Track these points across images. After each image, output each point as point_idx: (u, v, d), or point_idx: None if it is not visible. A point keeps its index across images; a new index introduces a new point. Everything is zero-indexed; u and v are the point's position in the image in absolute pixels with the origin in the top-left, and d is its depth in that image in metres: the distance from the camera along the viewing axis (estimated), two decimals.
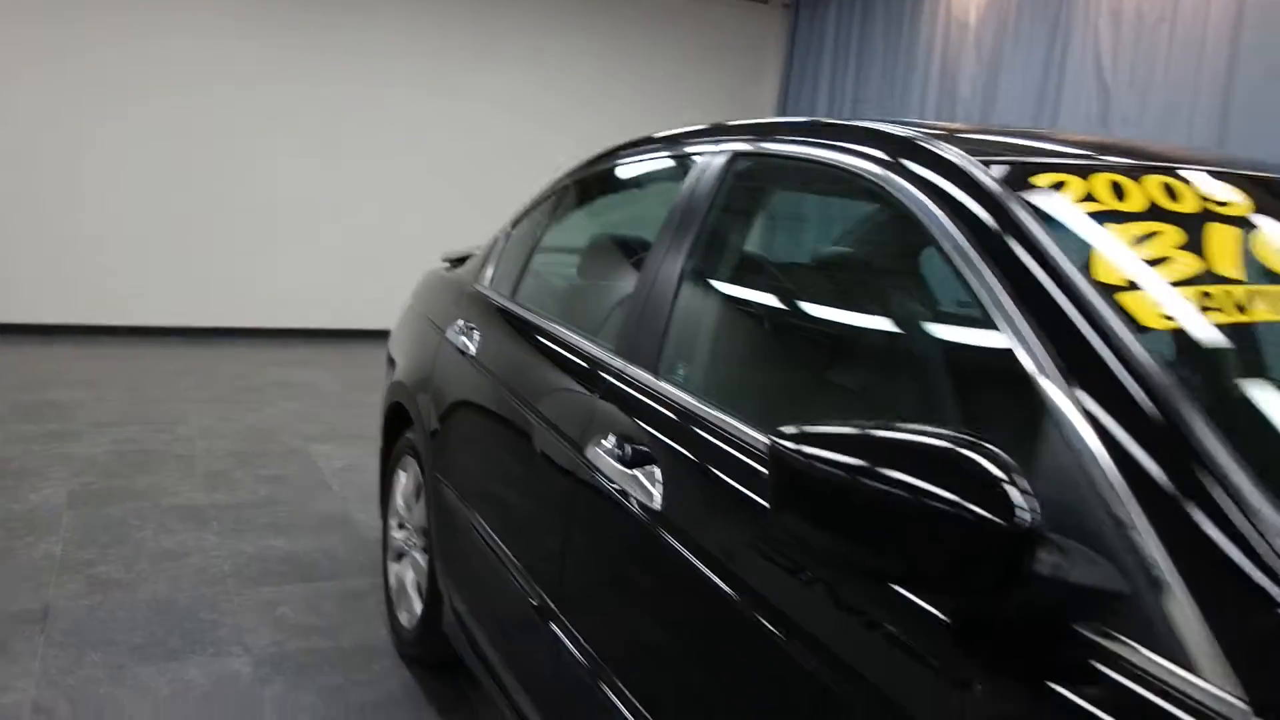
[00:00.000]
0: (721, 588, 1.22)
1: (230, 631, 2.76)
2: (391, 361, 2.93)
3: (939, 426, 0.89)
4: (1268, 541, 0.78)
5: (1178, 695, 0.76)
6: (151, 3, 6.59)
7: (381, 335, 3.33)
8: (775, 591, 1.14)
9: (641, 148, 2.10)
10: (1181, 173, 1.28)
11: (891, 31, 8.10)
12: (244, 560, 3.26)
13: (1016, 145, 1.43)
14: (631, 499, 1.44)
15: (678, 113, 8.55)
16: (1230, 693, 0.74)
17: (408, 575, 2.67)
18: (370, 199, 7.29)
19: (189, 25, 6.70)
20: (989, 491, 0.83)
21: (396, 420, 2.83)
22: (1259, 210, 1.23)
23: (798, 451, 0.92)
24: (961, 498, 0.84)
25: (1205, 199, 1.22)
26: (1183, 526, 0.82)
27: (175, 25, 6.67)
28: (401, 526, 2.76)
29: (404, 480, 2.73)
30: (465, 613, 2.16)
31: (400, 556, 2.77)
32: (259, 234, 7.08)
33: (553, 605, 1.67)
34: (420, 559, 2.57)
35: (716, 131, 1.81)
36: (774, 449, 0.95)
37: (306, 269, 7.22)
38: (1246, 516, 0.80)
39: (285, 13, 6.93)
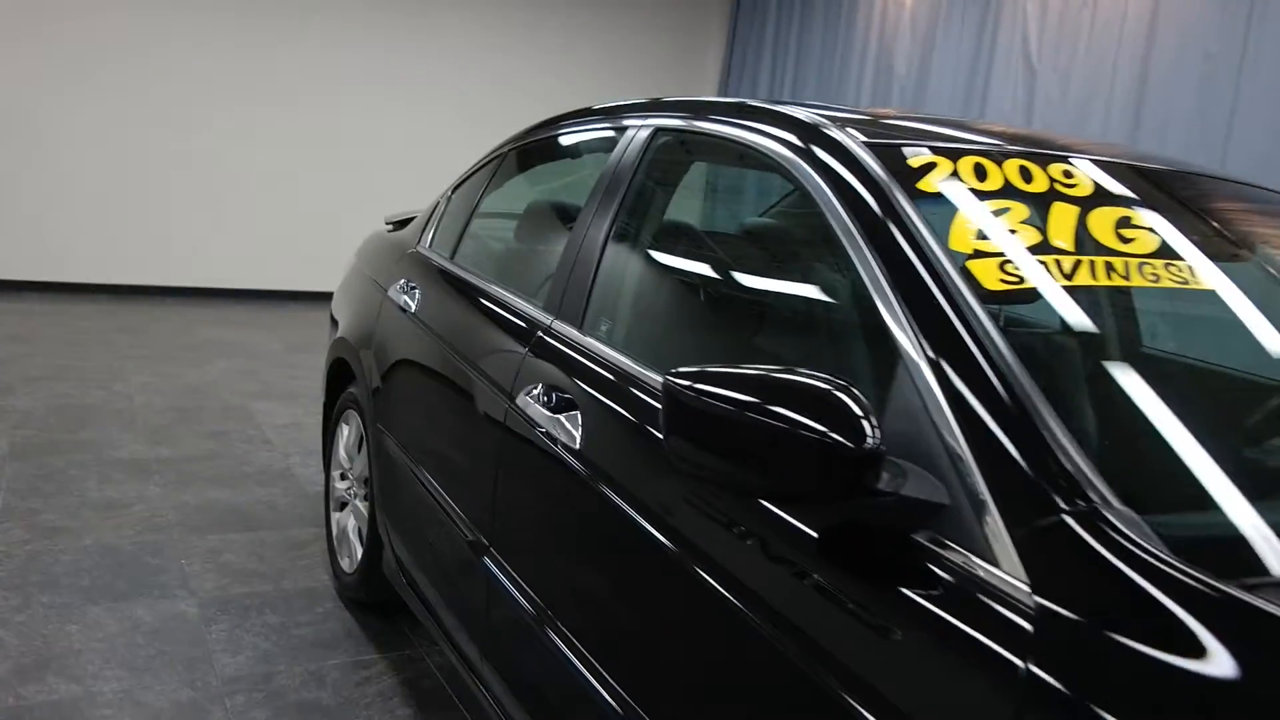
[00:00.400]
0: (630, 514, 1.39)
1: (176, 576, 2.87)
2: (334, 321, 3.04)
3: (813, 371, 1.07)
4: (1058, 460, 0.98)
5: (985, 585, 0.95)
6: None
7: (321, 298, 3.43)
8: (672, 514, 1.32)
9: (575, 119, 2.25)
10: (1040, 157, 1.47)
11: (832, 9, 8.27)
12: (187, 510, 3.36)
13: (902, 129, 1.61)
14: (555, 441, 1.60)
15: (623, 84, 8.66)
16: (1019, 579, 0.93)
17: (349, 523, 2.81)
18: (310, 162, 7.28)
19: None
20: (845, 422, 1.01)
21: (339, 376, 2.95)
22: (1100, 191, 1.43)
23: (689, 388, 1.09)
24: (825, 427, 1.01)
25: (1054, 180, 1.41)
26: (996, 454, 1.01)
27: None
28: (344, 477, 2.89)
29: (346, 433, 2.86)
30: (405, 555, 2.32)
31: (343, 506, 2.90)
32: (197, 194, 7.04)
33: (485, 542, 1.83)
34: (361, 507, 2.71)
35: (643, 107, 1.97)
36: (667, 385, 1.12)
37: (245, 230, 7.20)
38: (1046, 441, 0.99)
39: None
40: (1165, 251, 1.33)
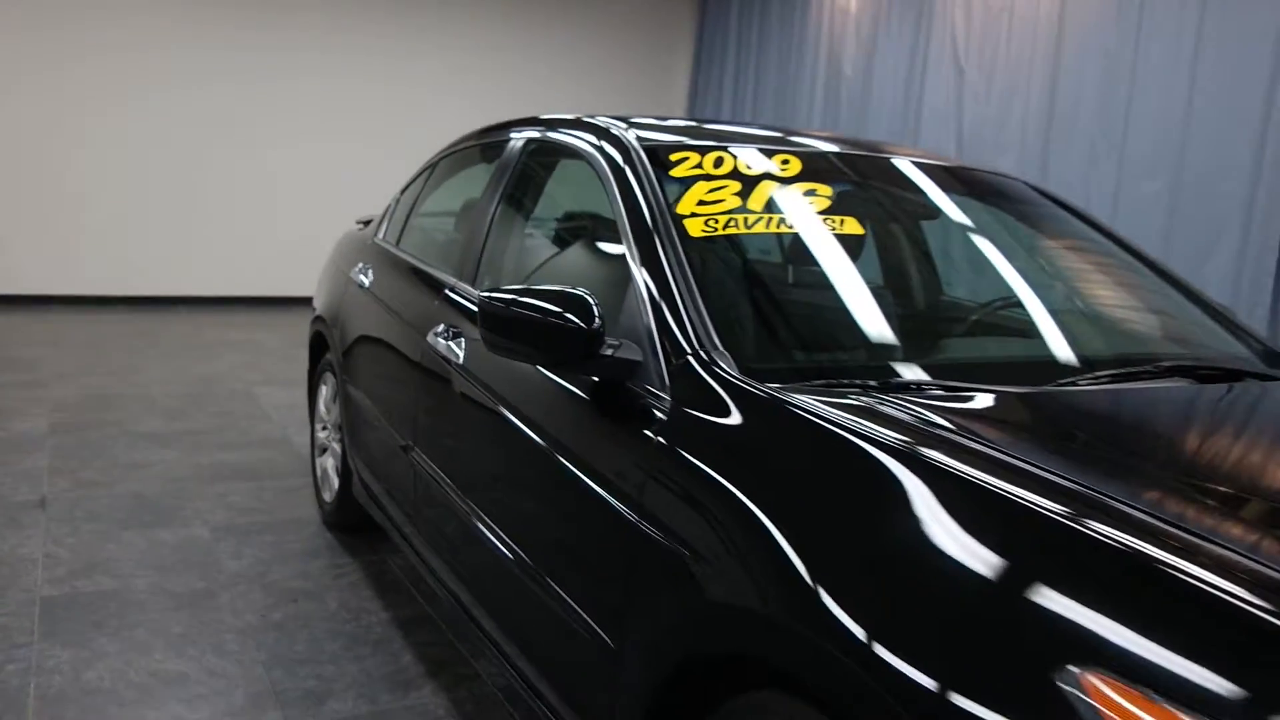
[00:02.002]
0: (485, 396, 2.12)
1: (191, 512, 3.62)
2: (315, 306, 3.79)
3: (570, 287, 1.79)
4: (693, 330, 1.69)
5: (651, 398, 1.66)
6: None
7: None
8: (508, 390, 2.04)
9: (482, 134, 2.99)
10: (773, 149, 2.19)
11: (787, 16, 9.01)
12: (200, 468, 4.11)
13: (678, 134, 2.32)
14: (449, 361, 2.33)
15: (596, 90, 9.42)
16: (665, 393, 1.65)
17: (329, 463, 3.56)
18: (311, 182, 8.09)
19: (160, 20, 7.43)
20: (581, 313, 1.73)
21: (318, 347, 3.70)
22: (803, 175, 2.14)
23: (490, 299, 1.81)
24: (575, 319, 1.73)
25: (771, 167, 2.13)
26: (662, 329, 1.72)
27: (148, 22, 7.39)
28: (324, 428, 3.64)
29: (325, 391, 3.60)
30: (364, 473, 3.06)
31: (323, 451, 3.65)
32: (204, 212, 7.85)
33: (410, 443, 2.57)
34: (336, 447, 3.45)
35: (523, 123, 2.70)
36: (479, 300, 1.84)
37: (249, 242, 8.00)
38: (688, 321, 1.71)
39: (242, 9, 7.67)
40: (831, 212, 2.05)
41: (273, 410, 5.06)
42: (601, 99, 9.45)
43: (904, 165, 2.35)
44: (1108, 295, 2.33)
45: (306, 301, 7.95)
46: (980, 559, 1.14)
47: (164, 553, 3.25)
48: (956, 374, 1.73)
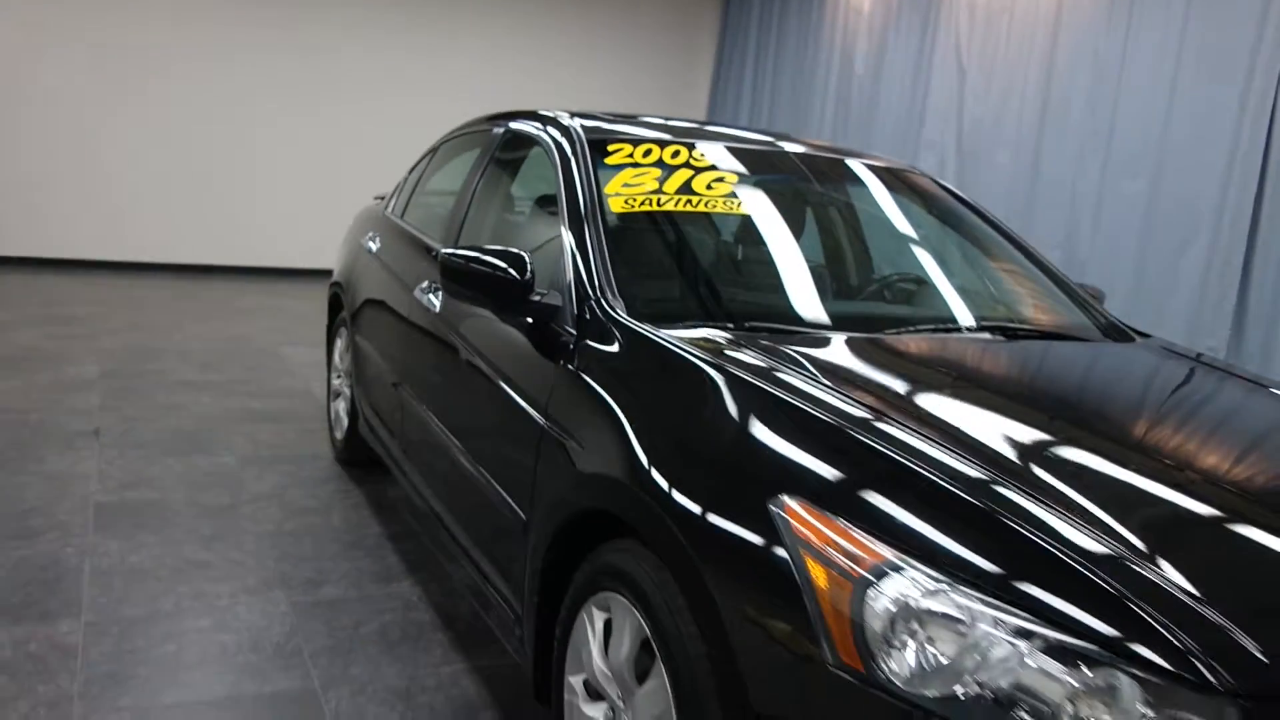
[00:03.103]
0: (452, 336, 2.68)
1: (222, 445, 4.25)
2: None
3: (512, 248, 2.34)
4: (598, 284, 2.24)
5: (564, 335, 2.21)
6: None
7: None
8: (469, 332, 2.60)
9: (475, 124, 3.55)
10: (695, 144, 2.72)
11: (804, 13, 9.47)
12: (230, 411, 4.74)
13: (619, 125, 2.85)
14: (429, 311, 2.90)
15: (628, 86, 9.97)
16: (573, 329, 2.20)
17: (340, 406, 4.16)
18: (345, 154, 8.73)
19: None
20: (518, 267, 2.28)
21: (335, 305, 4.30)
22: (715, 167, 2.67)
23: (450, 255, 2.36)
24: (512, 271, 2.29)
25: (691, 158, 2.66)
26: (577, 281, 2.27)
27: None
28: (338, 376, 4.24)
29: (339, 344, 4.20)
30: (367, 411, 3.64)
31: (337, 396, 4.25)
32: (244, 184, 8.54)
33: (399, 379, 3.14)
34: (347, 391, 4.05)
35: (503, 115, 3.26)
36: (440, 256, 2.40)
37: (285, 215, 8.68)
38: (596, 276, 2.25)
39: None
40: (731, 196, 2.58)
41: (297, 367, 5.69)
42: (621, 95, 10.00)
43: (806, 156, 2.87)
44: (969, 269, 2.84)
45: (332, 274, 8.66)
46: (738, 432, 1.69)
47: (197, 475, 3.87)
48: (798, 322, 2.27)
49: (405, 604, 2.96)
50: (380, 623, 2.83)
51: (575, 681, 1.97)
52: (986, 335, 2.38)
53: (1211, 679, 1.24)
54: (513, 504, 2.25)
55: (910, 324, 2.41)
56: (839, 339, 2.18)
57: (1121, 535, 1.46)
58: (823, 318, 2.38)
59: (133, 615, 2.75)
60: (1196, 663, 1.25)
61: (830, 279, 2.68)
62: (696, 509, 1.62)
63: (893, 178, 3.05)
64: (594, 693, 1.92)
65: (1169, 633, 1.29)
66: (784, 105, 9.75)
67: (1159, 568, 1.40)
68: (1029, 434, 1.82)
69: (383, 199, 4.40)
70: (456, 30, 9.10)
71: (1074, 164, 6.99)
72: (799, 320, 2.31)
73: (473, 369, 2.56)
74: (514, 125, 3.11)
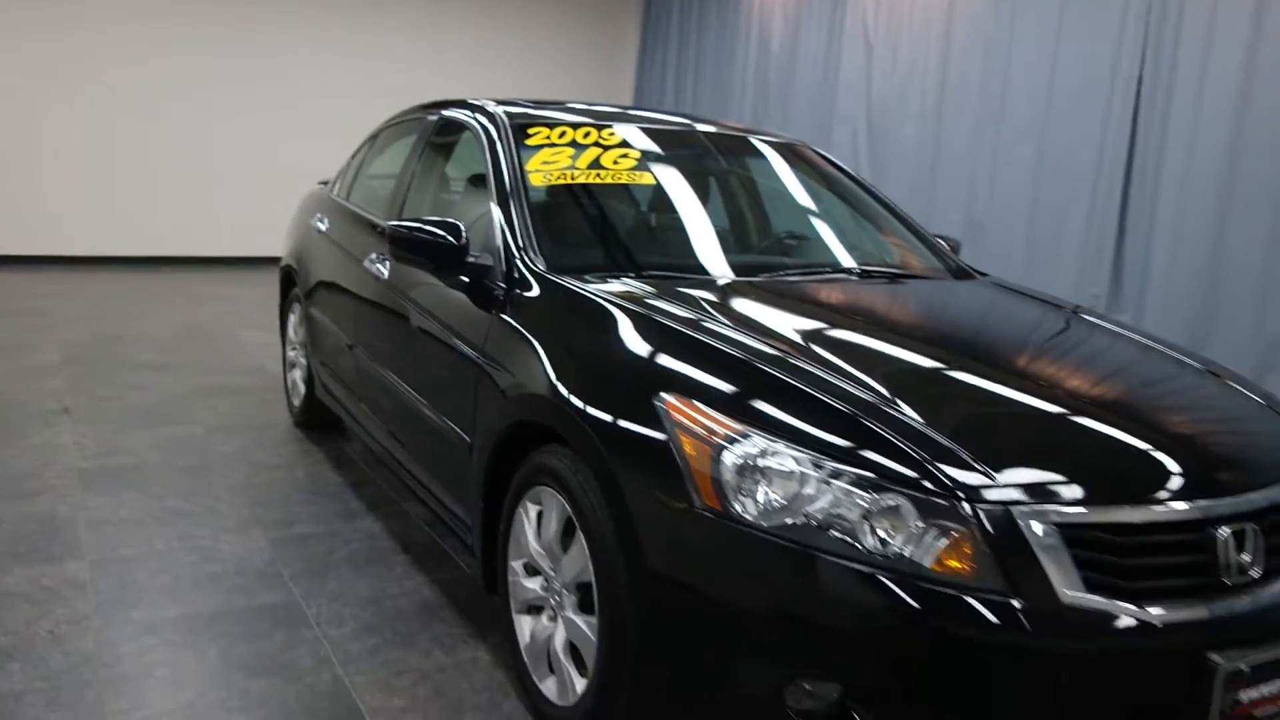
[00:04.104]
0: (399, 298, 3.13)
1: (186, 417, 4.63)
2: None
3: (448, 218, 2.79)
4: (522, 245, 2.70)
5: (497, 290, 2.67)
6: None
7: None
8: (415, 294, 3.05)
9: (411, 112, 3.97)
10: (604, 125, 3.18)
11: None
12: (192, 388, 5.12)
13: (539, 110, 3.30)
14: (377, 279, 3.34)
15: (556, 69, 10.37)
16: (503, 284, 2.66)
17: (297, 375, 4.57)
18: (290, 145, 9.05)
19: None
20: (454, 234, 2.74)
21: (287, 284, 4.69)
22: (623, 144, 3.14)
23: (396, 227, 2.80)
24: (449, 237, 2.74)
25: (600, 138, 3.12)
26: (503, 243, 2.73)
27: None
28: (293, 348, 4.64)
29: (293, 318, 4.61)
30: (323, 374, 4.07)
31: (293, 367, 4.66)
32: (192, 176, 8.81)
33: (353, 342, 3.58)
34: (302, 361, 4.46)
35: (436, 104, 3.69)
36: (389, 228, 2.84)
37: (234, 205, 8.97)
38: (520, 237, 2.72)
39: None
40: (635, 169, 3.06)
41: (253, 347, 6.06)
42: (552, 84, 10.42)
43: (704, 133, 3.37)
44: (842, 226, 3.36)
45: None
46: (629, 350, 2.19)
47: (168, 442, 4.26)
48: (686, 269, 2.77)
49: (369, 535, 3.41)
50: (348, 550, 3.27)
51: (517, 565, 2.45)
52: (847, 276, 2.90)
53: (959, 494, 1.76)
54: (459, 431, 2.71)
55: (784, 269, 2.91)
56: (716, 281, 2.68)
57: (900, 403, 1.97)
58: (706, 265, 2.88)
59: (129, 555, 3.15)
60: (947, 485, 1.77)
61: (717, 235, 3.16)
62: (600, 411, 2.11)
63: (778, 150, 3.55)
64: (531, 570, 2.40)
65: (931, 466, 1.80)
66: (706, 87, 10.25)
67: (926, 424, 1.91)
68: (855, 338, 2.35)
69: (326, 183, 4.80)
70: (398, 26, 9.49)
71: (972, 135, 7.59)
72: (686, 268, 2.81)
73: (419, 325, 3.01)
74: (446, 113, 3.54)
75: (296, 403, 4.57)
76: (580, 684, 2.17)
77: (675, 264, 2.84)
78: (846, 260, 3.18)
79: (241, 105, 8.94)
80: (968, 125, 7.63)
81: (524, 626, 2.42)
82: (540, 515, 2.34)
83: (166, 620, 2.75)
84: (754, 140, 3.54)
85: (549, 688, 2.31)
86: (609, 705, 2.07)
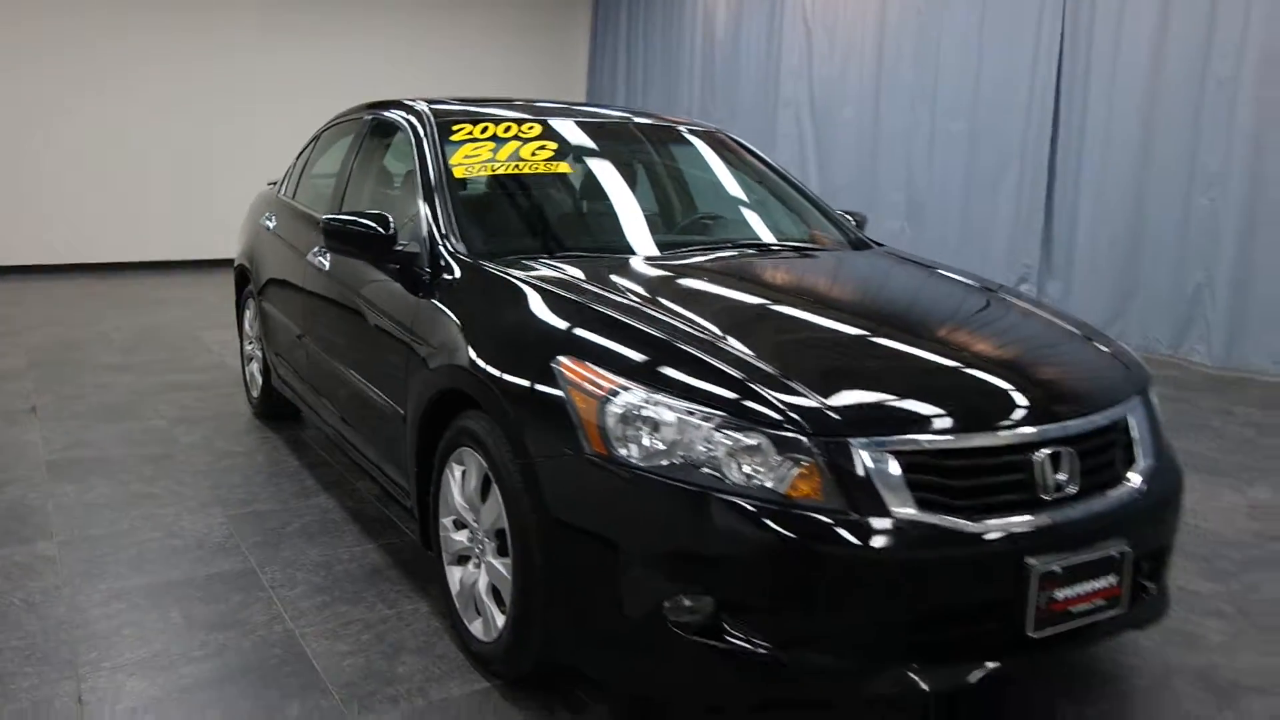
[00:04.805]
0: (341, 285, 3.40)
1: (150, 412, 4.88)
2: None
3: (378, 210, 3.07)
4: (444, 232, 2.98)
5: (424, 272, 2.95)
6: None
7: None
8: (353, 282, 3.32)
9: (349, 113, 4.24)
10: (525, 119, 3.46)
11: None
12: (154, 385, 5.36)
13: (463, 105, 3.57)
14: (320, 270, 3.61)
15: (504, 66, 10.61)
16: (429, 269, 2.94)
17: (254, 368, 4.83)
18: (246, 148, 9.26)
19: (107, 7, 8.53)
20: (383, 225, 3.01)
21: (241, 282, 4.95)
22: (542, 136, 3.41)
23: (329, 219, 3.08)
24: (378, 228, 3.02)
25: (519, 132, 3.40)
26: (429, 232, 3.01)
27: (98, 9, 8.49)
28: (250, 342, 4.90)
29: (248, 313, 4.87)
30: (278, 364, 4.33)
31: (250, 360, 4.92)
32: (147, 183, 9.00)
33: (302, 332, 3.85)
34: (259, 354, 4.72)
35: (372, 105, 3.96)
36: (323, 221, 3.11)
37: (188, 211, 9.18)
38: (443, 224, 3.00)
39: None
40: (551, 160, 3.34)
41: (212, 345, 6.31)
42: (505, 81, 10.67)
43: (621, 124, 3.66)
44: (749, 204, 3.65)
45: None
46: (532, 321, 2.48)
47: (132, 434, 4.52)
48: (593, 250, 3.05)
49: (322, 510, 3.69)
50: (302, 523, 3.55)
51: (447, 521, 2.73)
52: (750, 251, 3.20)
53: (809, 431, 2.06)
54: (394, 405, 2.99)
55: (690, 247, 3.21)
56: (621, 260, 2.97)
57: (765, 357, 2.27)
58: (615, 246, 3.17)
59: (96, 535, 3.42)
60: (799, 424, 2.07)
61: (629, 218, 3.44)
62: (508, 376, 2.39)
63: (694, 138, 3.84)
64: (459, 525, 2.69)
65: (786, 409, 2.10)
66: (656, 79, 10.53)
67: (783, 374, 2.21)
68: (738, 304, 2.66)
69: (275, 184, 5.05)
70: (350, 29, 9.73)
71: (907, 112, 7.91)
72: (597, 248, 3.10)
73: (357, 311, 3.29)
74: (380, 113, 3.81)
75: (255, 394, 4.83)
76: (501, 620, 2.46)
77: (586, 245, 3.13)
78: (753, 237, 3.47)
79: (198, 113, 9.15)
80: (902, 103, 7.95)
81: (454, 576, 2.70)
82: (464, 474, 2.63)
83: (132, 588, 3.01)
84: (670, 129, 3.83)
85: (477, 628, 2.60)
86: (525, 636, 2.36)
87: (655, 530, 2.12)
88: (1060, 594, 2.11)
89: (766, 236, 3.51)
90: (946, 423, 2.15)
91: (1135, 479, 2.32)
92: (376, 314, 3.13)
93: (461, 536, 2.67)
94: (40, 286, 8.21)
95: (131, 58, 8.85)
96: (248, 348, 4.96)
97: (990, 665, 2.10)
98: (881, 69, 8.01)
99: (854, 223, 3.76)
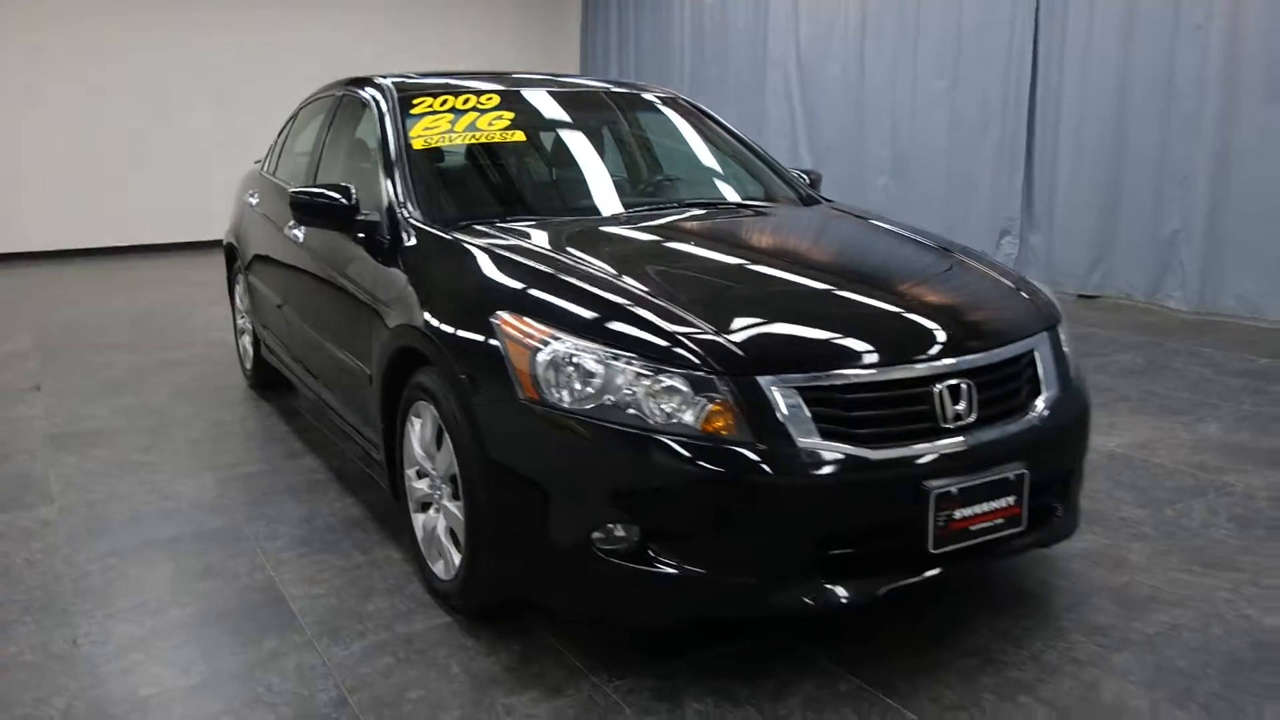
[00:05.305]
0: (311, 254, 3.61)
1: (149, 387, 5.13)
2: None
3: (343, 182, 3.26)
4: (403, 201, 3.17)
5: (386, 241, 3.15)
6: None
7: None
8: (323, 252, 3.53)
9: (323, 91, 4.43)
10: (485, 90, 3.64)
11: None
12: (154, 362, 5.61)
13: (426, 79, 3.75)
14: (296, 241, 3.82)
15: (497, 40, 10.74)
16: (388, 237, 3.13)
17: (246, 340, 5.06)
18: (235, 129, 9.46)
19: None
20: (345, 196, 3.21)
21: (230, 257, 5.18)
22: (500, 106, 3.59)
23: (297, 191, 3.28)
24: (341, 199, 3.22)
25: (478, 103, 3.58)
26: (390, 200, 3.20)
27: None
28: (241, 316, 5.13)
29: (239, 288, 5.09)
30: (265, 335, 4.56)
31: (242, 333, 5.15)
32: (140, 169, 9.24)
33: (282, 300, 4.06)
34: (250, 327, 4.95)
35: (344, 83, 4.14)
36: (290, 194, 3.31)
37: (181, 194, 9.42)
38: (401, 194, 3.19)
39: None
40: (508, 129, 3.52)
41: (209, 323, 6.55)
42: (498, 53, 10.81)
43: (581, 92, 3.83)
44: (704, 165, 3.82)
45: None
46: (476, 280, 2.68)
47: (131, 408, 4.76)
48: (550, 213, 3.24)
49: (308, 470, 3.92)
50: (289, 483, 3.78)
51: (410, 471, 2.95)
52: (697, 210, 3.39)
53: (719, 370, 2.25)
54: (361, 366, 3.20)
55: (642, 208, 3.39)
56: (567, 222, 3.16)
57: (686, 305, 2.45)
58: (567, 209, 3.36)
59: (94, 499, 3.66)
60: (711, 365, 2.26)
61: (583, 183, 3.62)
62: (455, 332, 2.60)
63: (652, 103, 4.01)
64: (421, 474, 2.90)
65: (700, 352, 2.29)
66: (647, 48, 10.66)
67: (700, 318, 2.39)
68: (672, 257, 2.86)
69: (260, 162, 5.26)
70: (345, 10, 9.96)
71: (890, 70, 8.02)
72: (545, 212, 3.29)
73: (328, 280, 3.50)
74: (349, 89, 4.00)
75: (248, 366, 5.07)
76: (457, 559, 2.68)
77: (538, 209, 3.32)
78: (703, 198, 3.65)
79: (195, 95, 9.37)
80: (885, 62, 8.05)
81: (419, 521, 2.93)
82: (421, 426, 2.84)
83: (126, 546, 3.26)
84: (629, 95, 4.00)
85: (439, 569, 2.82)
86: (476, 572, 2.58)
87: (584, 467, 2.32)
88: (959, 514, 2.30)
89: (716, 196, 3.68)
90: (849, 359, 2.34)
91: (1037, 409, 2.50)
92: (344, 280, 3.34)
93: (423, 485, 2.89)
94: (39, 273, 8.48)
95: (123, 40, 9.06)
96: (239, 321, 5.19)
97: (895, 579, 2.30)
98: (865, 29, 8.11)
99: (808, 181, 3.93)
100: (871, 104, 8.18)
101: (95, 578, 3.03)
